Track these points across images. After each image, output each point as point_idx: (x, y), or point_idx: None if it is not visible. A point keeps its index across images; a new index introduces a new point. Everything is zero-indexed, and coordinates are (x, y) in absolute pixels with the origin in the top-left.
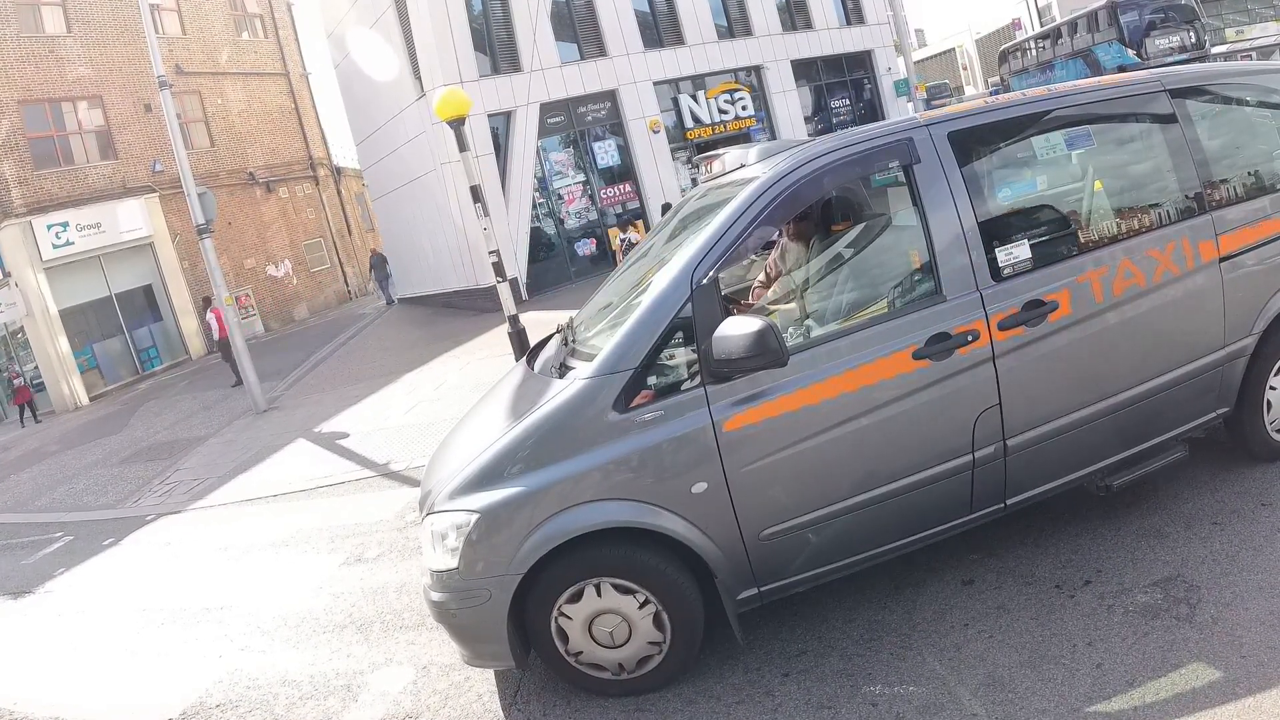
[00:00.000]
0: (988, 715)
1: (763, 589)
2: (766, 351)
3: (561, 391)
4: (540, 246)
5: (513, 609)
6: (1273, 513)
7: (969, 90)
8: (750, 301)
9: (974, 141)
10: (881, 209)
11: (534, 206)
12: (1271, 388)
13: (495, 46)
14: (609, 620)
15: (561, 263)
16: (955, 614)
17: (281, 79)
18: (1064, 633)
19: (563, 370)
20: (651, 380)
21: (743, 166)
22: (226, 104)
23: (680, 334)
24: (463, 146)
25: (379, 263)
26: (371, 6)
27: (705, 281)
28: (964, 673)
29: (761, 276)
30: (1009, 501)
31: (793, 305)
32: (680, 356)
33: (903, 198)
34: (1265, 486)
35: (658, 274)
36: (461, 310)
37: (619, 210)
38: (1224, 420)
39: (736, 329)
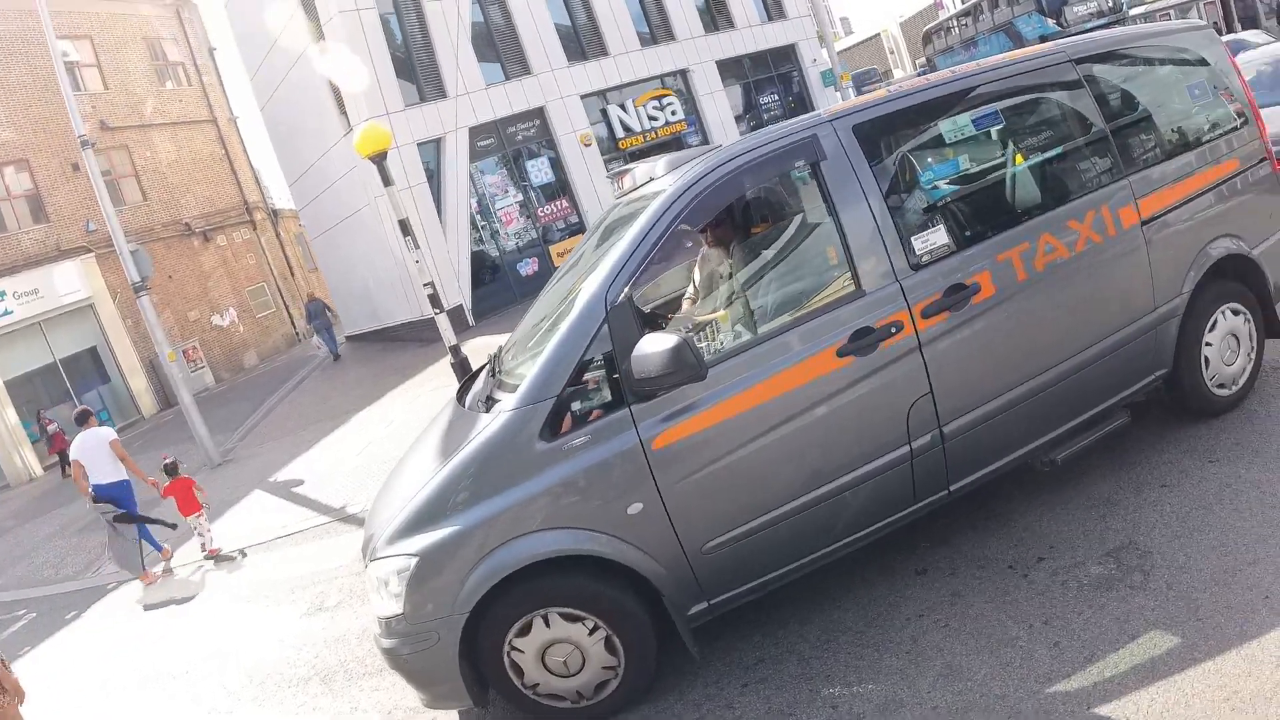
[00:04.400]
0: (948, 706)
1: (712, 602)
2: (684, 367)
3: (488, 426)
4: (483, 270)
5: (464, 647)
6: (1220, 469)
7: (898, 73)
8: (675, 314)
9: (880, 132)
10: (797, 208)
11: (475, 229)
12: (1208, 344)
13: (419, 73)
14: (561, 649)
15: (505, 285)
16: (910, 605)
17: (209, 125)
18: (1019, 614)
19: (489, 403)
20: (576, 406)
21: (651, 180)
22: (156, 155)
23: (601, 356)
24: (387, 181)
25: (318, 310)
26: (292, 46)
27: (620, 301)
28: (922, 665)
29: (690, 288)
30: (953, 487)
31: (717, 314)
32: (603, 379)
33: (816, 195)
34: (1211, 443)
35: (573, 297)
36: (408, 342)
37: (560, 226)
38: (1163, 381)
39: (652, 346)
